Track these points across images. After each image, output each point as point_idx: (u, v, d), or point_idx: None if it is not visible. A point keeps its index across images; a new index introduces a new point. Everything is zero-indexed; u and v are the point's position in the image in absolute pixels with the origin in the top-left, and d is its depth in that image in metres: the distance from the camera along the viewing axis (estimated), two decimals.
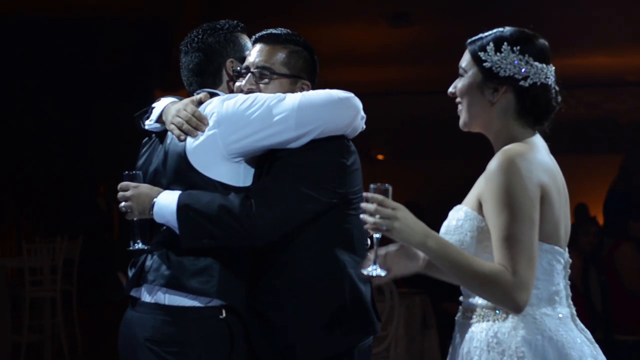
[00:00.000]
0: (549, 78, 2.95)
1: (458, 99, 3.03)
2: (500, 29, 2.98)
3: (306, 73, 3.55)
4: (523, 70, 2.91)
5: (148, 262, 3.37)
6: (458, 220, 2.92)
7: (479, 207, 2.86)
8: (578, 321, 2.98)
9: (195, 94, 3.55)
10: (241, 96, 3.36)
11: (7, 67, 12.67)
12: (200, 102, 3.44)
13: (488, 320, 2.87)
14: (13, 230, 13.23)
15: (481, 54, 2.94)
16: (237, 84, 3.54)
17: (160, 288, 3.30)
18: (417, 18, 11.12)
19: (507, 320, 2.84)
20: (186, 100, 3.47)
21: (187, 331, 3.23)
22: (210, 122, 3.31)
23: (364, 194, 2.79)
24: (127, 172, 3.44)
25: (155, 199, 3.31)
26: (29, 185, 13.77)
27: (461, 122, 3.03)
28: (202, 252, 3.25)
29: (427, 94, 11.84)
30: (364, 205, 2.77)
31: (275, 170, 3.28)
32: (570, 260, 3.00)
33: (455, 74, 3.06)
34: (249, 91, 3.46)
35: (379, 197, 2.75)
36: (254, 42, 3.57)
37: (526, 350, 2.81)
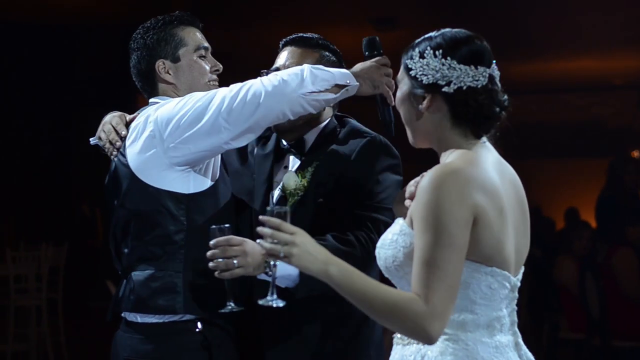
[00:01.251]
0: (477, 81, 2.66)
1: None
2: (433, 33, 2.76)
3: None
4: (445, 75, 2.66)
5: (120, 292, 3.31)
6: (394, 234, 2.68)
7: (412, 223, 2.64)
8: (524, 350, 2.73)
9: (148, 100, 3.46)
10: (169, 105, 3.26)
11: None
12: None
13: (418, 343, 2.65)
14: None
15: (408, 62, 2.73)
16: None
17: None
18: (403, 22, 11.10)
19: (436, 345, 2.60)
20: (118, 113, 3.45)
21: (163, 347, 3.17)
22: (147, 132, 3.22)
23: (260, 217, 2.56)
24: (215, 226, 3.07)
25: None
26: (13, 192, 13.69)
27: (409, 139, 2.81)
28: (164, 271, 3.18)
29: None
30: (260, 229, 2.54)
31: (366, 202, 3.35)
32: (519, 284, 2.74)
33: None
34: None
35: (276, 220, 2.54)
36: (284, 45, 3.53)
37: None
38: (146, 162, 3.20)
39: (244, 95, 3.14)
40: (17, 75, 13.06)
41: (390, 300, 2.50)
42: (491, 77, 2.71)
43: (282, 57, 3.50)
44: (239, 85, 3.19)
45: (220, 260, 3.03)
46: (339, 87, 3.23)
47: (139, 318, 3.21)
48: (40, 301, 10.18)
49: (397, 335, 2.72)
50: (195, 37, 3.44)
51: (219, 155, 3.35)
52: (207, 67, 3.43)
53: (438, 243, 2.49)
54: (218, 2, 10.09)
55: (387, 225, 2.88)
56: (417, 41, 2.76)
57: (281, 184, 3.45)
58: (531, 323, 9.53)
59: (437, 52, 2.68)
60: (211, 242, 2.77)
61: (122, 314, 3.29)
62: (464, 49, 2.69)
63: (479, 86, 2.67)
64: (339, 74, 3.24)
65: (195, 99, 3.19)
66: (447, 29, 2.75)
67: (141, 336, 3.19)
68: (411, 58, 2.72)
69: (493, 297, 2.64)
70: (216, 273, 3.03)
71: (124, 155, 3.27)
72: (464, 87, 2.66)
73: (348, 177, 3.39)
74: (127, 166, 3.24)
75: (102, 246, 14.44)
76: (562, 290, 8.80)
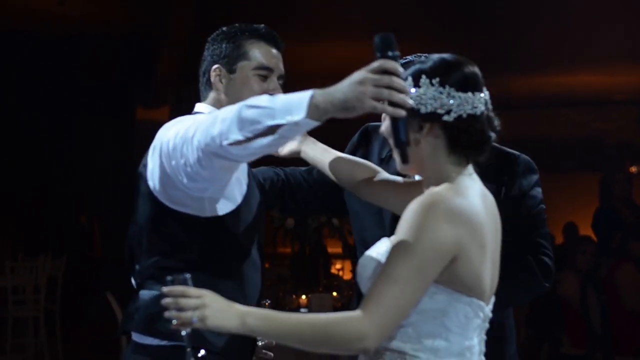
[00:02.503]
0: (476, 108, 2.61)
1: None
2: (422, 60, 2.69)
3: None
4: (444, 103, 2.59)
5: (129, 307, 3.19)
6: (378, 253, 2.64)
7: None
8: None
9: None
10: (173, 123, 3.05)
11: None
12: None
13: None
14: None
15: None
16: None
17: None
18: (404, 35, 11.09)
19: None
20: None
21: None
22: (156, 152, 3.02)
23: (162, 289, 2.48)
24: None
25: None
26: (11, 203, 13.68)
27: (397, 165, 2.71)
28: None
29: None
30: (164, 302, 2.47)
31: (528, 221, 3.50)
32: (491, 315, 2.70)
33: None
34: None
35: (179, 288, 2.47)
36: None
37: None
38: (162, 180, 3.03)
39: (184, 139, 2.85)
40: (15, 85, 13.06)
41: (320, 323, 2.47)
42: (486, 102, 2.67)
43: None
44: (196, 121, 2.86)
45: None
46: (275, 127, 2.59)
47: (144, 340, 3.10)
48: (38, 312, 10.18)
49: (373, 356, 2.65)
50: (262, 55, 3.24)
51: (244, 184, 3.16)
52: (259, 89, 3.20)
53: (408, 263, 2.46)
54: (218, 14, 10.08)
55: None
56: (406, 65, 2.66)
57: None
58: (533, 338, 9.52)
59: (433, 81, 2.61)
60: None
61: (131, 333, 3.20)
62: (459, 75, 2.63)
63: (478, 113, 2.62)
64: (282, 105, 2.57)
65: (183, 124, 2.95)
66: (435, 55, 2.69)
67: (145, 358, 3.09)
68: None
69: (467, 326, 2.61)
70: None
71: (145, 167, 3.10)
72: (464, 115, 2.60)
73: (500, 197, 3.36)
74: (145, 180, 3.10)
75: (100, 258, 14.43)
76: (564, 305, 8.78)
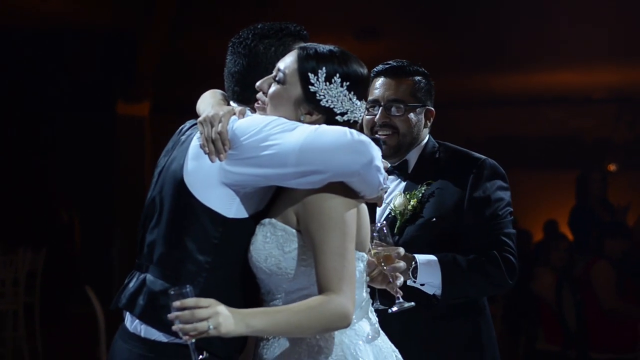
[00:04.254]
0: (362, 115, 2.97)
1: (264, 99, 2.97)
2: (333, 53, 2.92)
3: (429, 99, 3.78)
4: (343, 105, 2.91)
5: (131, 283, 3.09)
6: (265, 236, 2.94)
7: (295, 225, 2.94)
8: (375, 321, 3.02)
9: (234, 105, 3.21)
10: (253, 121, 2.99)
11: None
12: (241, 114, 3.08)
13: None
14: None
15: (310, 75, 2.89)
16: (366, 117, 3.68)
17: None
18: (384, 32, 11.14)
19: None
20: (226, 109, 3.07)
21: None
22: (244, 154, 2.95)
23: (173, 304, 2.62)
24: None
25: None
26: None
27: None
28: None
29: None
30: (177, 314, 2.61)
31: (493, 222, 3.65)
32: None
33: None
34: (383, 124, 3.68)
35: (192, 300, 2.62)
36: (376, 75, 3.71)
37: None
38: (198, 171, 3.00)
39: (324, 137, 2.88)
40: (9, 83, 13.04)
41: (310, 311, 2.71)
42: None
43: (378, 89, 3.72)
44: (326, 127, 2.92)
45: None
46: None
47: (142, 332, 3.00)
48: (17, 306, 10.15)
49: None
50: None
51: (271, 191, 3.07)
52: None
53: (345, 238, 2.77)
54: (201, 11, 10.09)
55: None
56: (320, 54, 2.91)
57: (391, 204, 3.70)
58: (508, 334, 9.60)
59: (344, 83, 2.90)
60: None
61: (125, 320, 3.09)
62: (363, 87, 2.95)
63: (359, 120, 2.95)
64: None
65: (279, 122, 2.93)
66: (349, 55, 2.95)
67: (144, 352, 2.99)
68: (314, 72, 2.88)
69: (361, 279, 2.93)
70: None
71: (185, 152, 3.06)
72: (351, 121, 2.92)
73: (465, 199, 3.65)
74: (181, 165, 3.05)
75: (81, 252, 14.42)
76: (539, 301, 8.84)
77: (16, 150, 14.01)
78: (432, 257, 3.53)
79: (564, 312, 8.66)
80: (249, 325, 2.65)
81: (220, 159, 2.95)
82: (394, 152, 3.71)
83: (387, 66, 3.73)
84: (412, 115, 3.70)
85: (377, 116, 3.69)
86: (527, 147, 14.70)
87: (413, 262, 3.49)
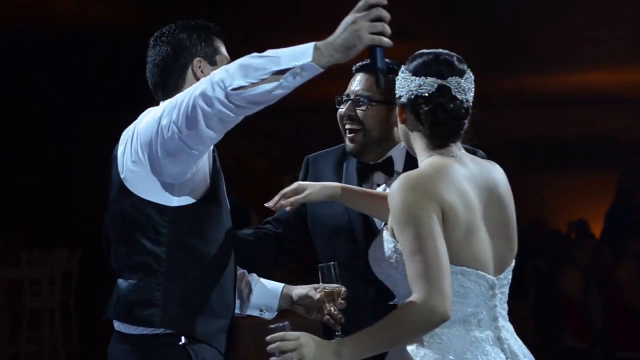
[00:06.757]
0: (422, 89, 2.93)
1: None
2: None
3: None
4: (402, 86, 2.98)
5: (113, 294, 3.26)
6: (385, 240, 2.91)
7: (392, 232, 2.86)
8: (508, 344, 2.88)
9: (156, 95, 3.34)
10: (154, 110, 3.16)
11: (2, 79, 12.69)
12: None
13: None
14: (11, 241, 13.24)
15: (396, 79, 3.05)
16: (339, 110, 3.66)
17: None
18: (417, 33, 11.16)
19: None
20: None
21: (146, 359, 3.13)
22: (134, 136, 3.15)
23: (267, 338, 2.80)
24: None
25: None
26: (28, 196, 13.78)
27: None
28: (145, 283, 3.12)
29: None
30: (269, 348, 2.79)
31: None
32: (506, 282, 2.93)
33: None
34: (349, 117, 3.63)
35: (279, 334, 2.78)
36: (356, 70, 3.69)
37: None
38: (133, 170, 3.13)
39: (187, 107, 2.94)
40: (30, 82, 13.14)
41: (390, 322, 2.71)
42: (441, 88, 2.90)
43: (352, 84, 3.70)
44: (193, 91, 2.95)
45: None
46: (280, 73, 2.82)
47: (123, 329, 3.16)
48: (53, 304, 10.26)
49: None
50: (225, 51, 3.33)
51: (207, 175, 3.22)
52: None
53: (419, 234, 2.70)
54: (230, 11, 10.16)
55: None
56: None
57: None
58: (535, 332, 9.61)
59: (403, 67, 2.96)
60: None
61: (114, 323, 3.25)
62: (418, 61, 2.94)
63: (424, 94, 2.89)
64: (288, 53, 2.84)
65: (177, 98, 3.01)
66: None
67: (127, 347, 3.15)
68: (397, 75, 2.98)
69: (467, 294, 2.81)
70: None
71: (116, 159, 3.20)
72: (412, 97, 2.90)
73: None
74: (117, 172, 3.18)
75: None
76: (566, 299, 8.87)
77: (54, 151, 14.13)
78: None
79: (591, 311, 8.68)
80: (341, 355, 2.71)
81: None
82: (362, 148, 3.65)
83: (365, 62, 3.69)
84: (378, 111, 3.64)
85: (344, 109, 3.67)
86: (558, 148, 14.66)
87: None
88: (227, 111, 2.85)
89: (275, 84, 2.81)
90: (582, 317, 8.72)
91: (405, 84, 2.93)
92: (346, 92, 3.69)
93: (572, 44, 11.54)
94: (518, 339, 2.93)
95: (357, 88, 3.67)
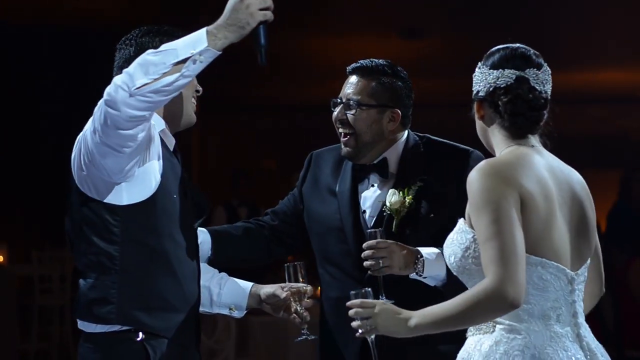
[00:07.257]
0: (499, 81, 2.93)
1: None
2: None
3: (394, 101, 3.71)
4: (479, 80, 2.97)
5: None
6: (453, 232, 2.90)
7: (469, 221, 2.84)
8: (587, 342, 2.89)
9: None
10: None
11: (15, 75, 12.70)
12: None
13: (480, 333, 2.83)
14: (22, 238, 13.25)
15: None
16: (333, 113, 3.71)
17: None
18: (429, 32, 11.14)
19: (493, 334, 2.79)
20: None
21: (108, 357, 3.18)
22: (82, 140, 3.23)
23: (348, 303, 2.91)
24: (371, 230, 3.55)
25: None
26: (39, 194, 13.79)
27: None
28: (101, 281, 3.18)
29: (439, 108, 11.84)
30: (350, 313, 2.89)
31: None
32: (583, 279, 2.91)
33: (468, 89, 3.04)
34: (340, 121, 3.69)
35: (357, 301, 2.88)
36: (349, 73, 3.74)
37: None
38: (82, 173, 3.21)
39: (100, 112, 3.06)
40: (41, 77, 13.15)
41: (461, 302, 2.69)
42: (520, 79, 2.90)
43: (345, 87, 3.75)
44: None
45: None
46: (180, 63, 2.94)
47: (85, 327, 3.23)
48: (63, 301, 10.28)
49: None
50: None
51: (157, 171, 3.27)
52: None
53: (496, 219, 2.68)
54: None
55: None
56: None
57: (387, 203, 3.68)
58: None
59: (480, 64, 2.95)
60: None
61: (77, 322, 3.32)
62: (495, 56, 2.94)
63: (502, 85, 2.89)
64: (184, 43, 2.95)
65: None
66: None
67: (89, 345, 3.22)
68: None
69: (546, 288, 2.79)
70: (369, 272, 3.45)
71: (71, 163, 3.29)
72: (490, 89, 2.89)
73: (454, 192, 3.57)
74: (72, 175, 3.28)
75: None
76: None
77: (64, 148, 14.10)
78: (436, 250, 3.53)
79: (602, 310, 8.66)
80: (411, 326, 2.77)
81: None
82: (355, 151, 3.70)
83: (357, 65, 3.75)
84: (368, 114, 3.69)
85: (336, 112, 3.72)
86: (571, 146, 14.60)
87: (418, 256, 3.53)
88: (134, 111, 2.95)
89: (177, 74, 2.93)
90: (593, 317, 8.70)
91: (483, 77, 2.92)
92: (340, 95, 3.73)
93: (584, 42, 11.51)
94: (594, 338, 2.95)
95: (349, 91, 3.71)
